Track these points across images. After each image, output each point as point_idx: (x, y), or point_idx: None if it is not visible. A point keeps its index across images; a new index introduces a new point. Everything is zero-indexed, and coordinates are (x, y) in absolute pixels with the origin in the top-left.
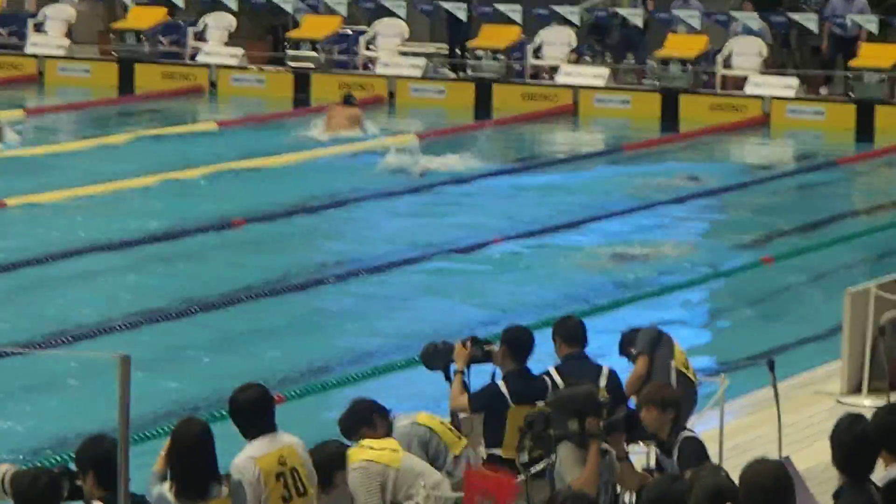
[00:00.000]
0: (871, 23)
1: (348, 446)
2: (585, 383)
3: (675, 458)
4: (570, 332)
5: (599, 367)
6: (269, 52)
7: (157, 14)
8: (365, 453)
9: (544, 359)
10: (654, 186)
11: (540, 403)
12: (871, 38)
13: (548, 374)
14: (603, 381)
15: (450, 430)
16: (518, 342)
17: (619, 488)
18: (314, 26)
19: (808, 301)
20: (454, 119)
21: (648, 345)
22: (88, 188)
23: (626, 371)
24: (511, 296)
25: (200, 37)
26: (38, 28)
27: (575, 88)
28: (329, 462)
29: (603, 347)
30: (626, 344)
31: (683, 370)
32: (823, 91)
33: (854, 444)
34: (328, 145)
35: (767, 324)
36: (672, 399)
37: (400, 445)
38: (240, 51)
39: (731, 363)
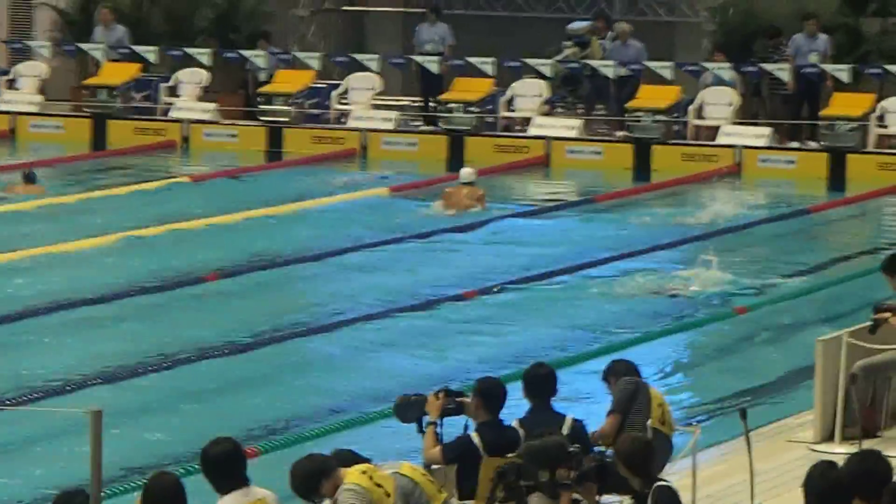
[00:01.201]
0: (841, 71)
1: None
2: (547, 433)
3: None
4: (533, 384)
5: (563, 417)
6: (242, 105)
7: (130, 70)
8: (362, 479)
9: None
10: (626, 237)
11: (512, 455)
12: (842, 86)
13: (511, 426)
14: (566, 431)
15: (431, 482)
16: (491, 393)
17: None
18: (287, 80)
19: (781, 350)
20: (427, 172)
21: (623, 403)
22: (62, 244)
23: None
24: (483, 348)
25: (173, 92)
26: (11, 84)
27: (547, 140)
28: (319, 472)
29: (572, 397)
30: (609, 373)
31: (659, 426)
32: (794, 144)
33: (827, 491)
34: (307, 198)
35: (740, 372)
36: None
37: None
38: (212, 105)
39: (703, 412)
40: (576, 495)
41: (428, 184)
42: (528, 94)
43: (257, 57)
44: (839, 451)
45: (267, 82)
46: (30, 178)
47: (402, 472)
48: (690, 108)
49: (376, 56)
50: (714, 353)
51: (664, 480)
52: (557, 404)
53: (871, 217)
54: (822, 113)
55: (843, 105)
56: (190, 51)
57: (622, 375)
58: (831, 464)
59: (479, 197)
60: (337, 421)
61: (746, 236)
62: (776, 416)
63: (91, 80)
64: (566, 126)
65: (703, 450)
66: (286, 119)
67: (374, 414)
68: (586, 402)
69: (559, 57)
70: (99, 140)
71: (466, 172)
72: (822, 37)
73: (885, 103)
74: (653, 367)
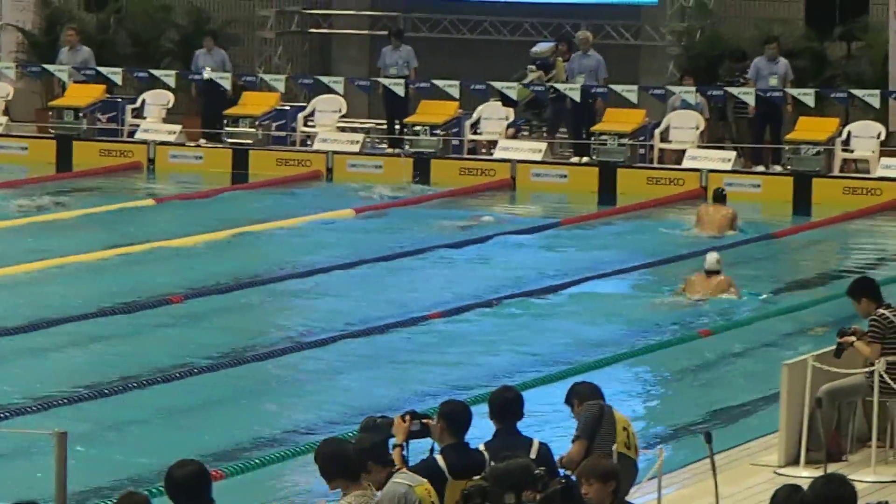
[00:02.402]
0: (807, 95)
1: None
2: (513, 457)
3: None
4: (500, 407)
5: (530, 441)
6: (205, 127)
7: (95, 91)
8: (412, 477)
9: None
10: (591, 259)
11: (477, 477)
12: (807, 110)
13: (475, 449)
14: (533, 455)
15: None
16: (454, 417)
17: None
18: (253, 102)
19: (745, 373)
20: (393, 194)
21: (588, 429)
22: (26, 265)
23: (565, 427)
24: (449, 369)
25: (138, 114)
26: None
27: (513, 163)
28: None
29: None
30: (573, 395)
31: (625, 451)
32: (760, 167)
33: None
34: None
35: (705, 396)
36: (612, 471)
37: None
38: (178, 127)
39: (668, 435)
40: None
41: (393, 206)
42: (494, 116)
43: (223, 79)
44: (804, 475)
45: (217, 85)
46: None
47: (416, 490)
48: (657, 131)
49: (342, 78)
50: (679, 376)
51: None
52: (523, 427)
53: (837, 241)
54: (788, 137)
55: (809, 129)
56: (156, 72)
57: (586, 398)
58: (796, 487)
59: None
60: (304, 443)
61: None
62: (741, 439)
63: (56, 102)
64: (532, 149)
65: (668, 473)
66: (251, 141)
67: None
68: (551, 426)
69: (525, 81)
70: (64, 161)
71: (712, 260)
72: (783, 60)
73: (850, 127)
74: (618, 389)
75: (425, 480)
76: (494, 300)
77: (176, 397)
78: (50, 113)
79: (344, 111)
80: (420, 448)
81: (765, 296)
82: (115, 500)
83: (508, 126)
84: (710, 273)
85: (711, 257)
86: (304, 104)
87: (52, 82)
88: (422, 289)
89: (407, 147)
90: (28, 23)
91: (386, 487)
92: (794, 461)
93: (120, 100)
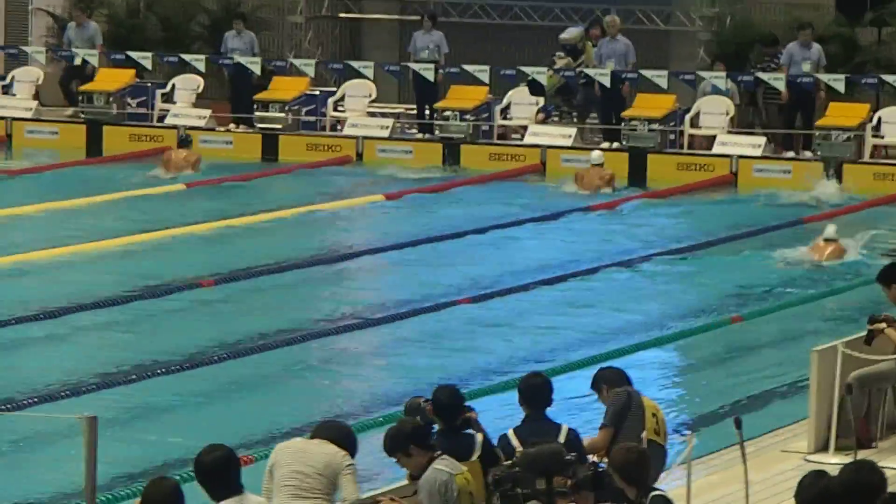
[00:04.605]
0: (837, 81)
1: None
2: (546, 443)
3: None
4: (528, 394)
5: (558, 427)
6: (234, 112)
7: (125, 76)
8: (453, 464)
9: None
10: (622, 244)
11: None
12: (837, 96)
13: (505, 436)
14: (561, 440)
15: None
16: (439, 404)
17: None
18: (283, 87)
19: (776, 359)
20: (421, 179)
21: (616, 417)
22: (57, 249)
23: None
24: (475, 354)
25: (168, 98)
26: (6, 90)
27: (542, 148)
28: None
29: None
30: (600, 380)
31: (654, 437)
32: (790, 153)
33: (817, 499)
34: (302, 204)
35: (735, 382)
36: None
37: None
38: (207, 112)
39: (698, 421)
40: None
41: (423, 191)
42: (524, 102)
43: (252, 64)
44: (833, 462)
45: (245, 69)
46: (185, 143)
47: (457, 479)
48: (687, 117)
49: (372, 63)
50: (709, 362)
51: (659, 490)
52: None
53: (867, 226)
54: (818, 123)
55: (839, 115)
56: (185, 57)
57: (612, 384)
58: (821, 472)
59: (609, 178)
60: None
61: (741, 246)
62: (771, 425)
63: (86, 86)
64: (562, 134)
65: (697, 459)
66: (281, 126)
67: (370, 421)
68: (579, 411)
69: (554, 68)
70: (94, 146)
71: (596, 155)
72: (816, 46)
73: (880, 113)
74: (648, 375)
75: (465, 468)
76: (526, 285)
77: (206, 382)
78: (80, 98)
79: (374, 96)
80: None
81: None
82: (144, 485)
83: (538, 111)
84: (828, 241)
85: (830, 228)
86: (334, 89)
87: (83, 67)
88: (451, 273)
89: (436, 132)
90: (58, 7)
91: (427, 473)
92: (824, 448)
93: (150, 84)
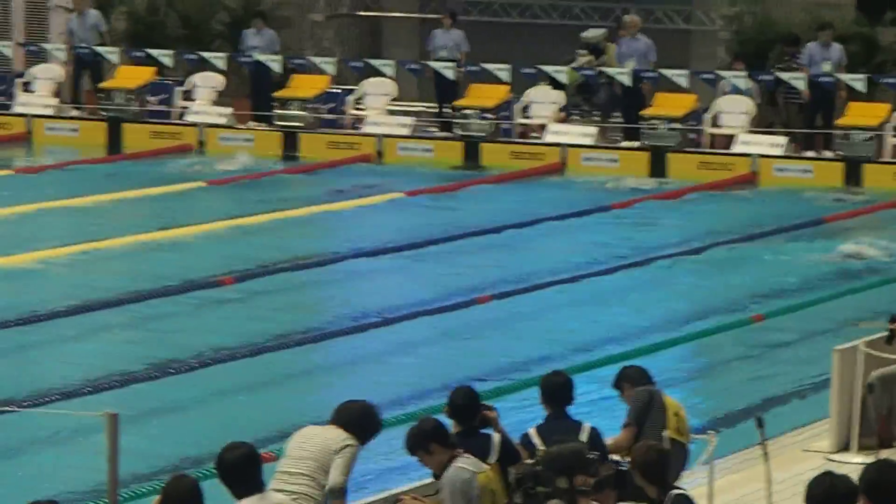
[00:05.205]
0: (857, 81)
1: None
2: (568, 441)
3: None
4: (549, 392)
5: (579, 425)
6: (254, 110)
7: (145, 73)
8: (476, 463)
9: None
10: (643, 243)
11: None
12: (857, 95)
13: (527, 435)
14: (583, 439)
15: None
16: (455, 406)
17: None
18: (302, 85)
19: (797, 359)
20: (443, 177)
21: (638, 415)
22: (77, 247)
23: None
24: (495, 352)
25: (188, 96)
26: (27, 87)
27: (563, 147)
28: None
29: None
30: (622, 379)
31: (676, 436)
32: (810, 153)
33: (824, 498)
34: (322, 202)
35: (756, 381)
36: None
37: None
38: (228, 110)
39: (720, 420)
40: (594, 502)
41: (442, 189)
42: (544, 100)
43: (273, 62)
44: (856, 461)
45: (265, 67)
46: None
47: (479, 477)
48: (706, 116)
49: (392, 61)
50: (730, 361)
51: (680, 489)
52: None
53: (888, 227)
54: (838, 122)
55: (859, 115)
56: (205, 55)
57: (635, 382)
58: (828, 472)
59: None
60: None
61: (763, 245)
62: (792, 425)
63: (107, 84)
64: (582, 133)
65: (719, 458)
66: (301, 124)
67: (391, 419)
68: (601, 409)
69: (574, 65)
70: (114, 143)
71: None
72: (836, 46)
73: None
74: (670, 374)
75: (487, 467)
76: (547, 283)
77: (227, 379)
78: (100, 95)
79: (394, 94)
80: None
81: None
82: (164, 483)
83: (560, 109)
84: None
85: None
86: (354, 87)
87: (103, 64)
88: (470, 271)
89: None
90: None
91: (449, 471)
92: (846, 447)
93: (170, 82)
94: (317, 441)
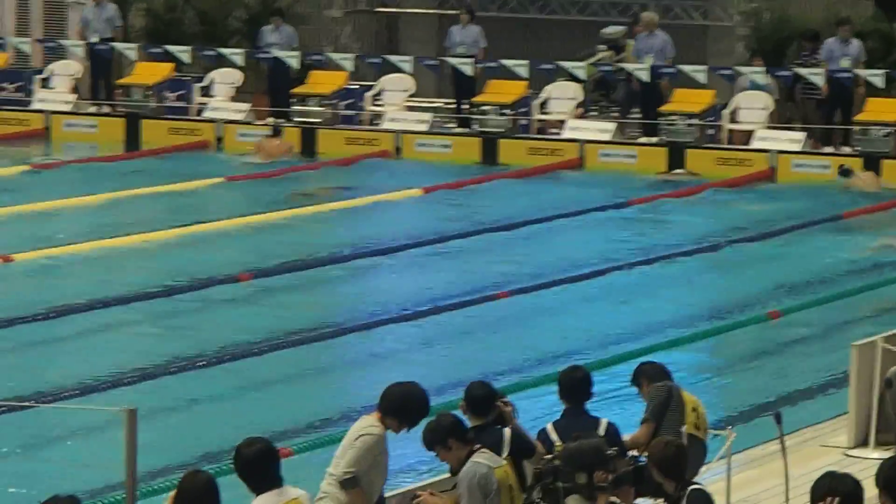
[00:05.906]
0: (875, 76)
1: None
2: (587, 437)
3: None
4: (567, 387)
5: (597, 421)
6: (272, 106)
7: (163, 70)
8: (493, 458)
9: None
10: (660, 239)
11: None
12: (875, 91)
13: (544, 430)
14: (601, 434)
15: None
16: (469, 396)
17: None
18: (321, 81)
19: (815, 354)
20: (461, 173)
21: (657, 411)
22: (96, 243)
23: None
24: (513, 347)
25: (206, 93)
26: (45, 84)
27: (581, 143)
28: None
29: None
30: (640, 375)
31: (694, 431)
32: (828, 149)
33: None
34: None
35: (774, 377)
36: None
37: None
38: (246, 106)
39: (738, 416)
40: (612, 498)
41: (460, 185)
42: (562, 96)
43: (291, 58)
44: (874, 457)
45: (283, 63)
46: (276, 133)
47: (496, 472)
48: (725, 112)
49: (410, 58)
50: (748, 357)
51: (698, 484)
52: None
53: None
54: (856, 118)
55: (877, 110)
56: (223, 51)
57: (653, 378)
58: (829, 473)
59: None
60: None
61: (779, 241)
62: (810, 420)
63: (125, 80)
64: (600, 129)
65: (737, 453)
66: (320, 120)
67: None
68: (618, 405)
69: (592, 60)
70: (132, 139)
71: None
72: (855, 42)
73: None
74: (688, 370)
75: (504, 462)
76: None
77: (245, 375)
78: (118, 91)
79: (412, 90)
80: None
81: None
82: (180, 478)
83: (578, 105)
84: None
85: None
86: (372, 83)
87: (121, 60)
88: (488, 267)
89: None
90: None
91: (466, 466)
92: (864, 442)
93: (188, 78)
94: (350, 433)
